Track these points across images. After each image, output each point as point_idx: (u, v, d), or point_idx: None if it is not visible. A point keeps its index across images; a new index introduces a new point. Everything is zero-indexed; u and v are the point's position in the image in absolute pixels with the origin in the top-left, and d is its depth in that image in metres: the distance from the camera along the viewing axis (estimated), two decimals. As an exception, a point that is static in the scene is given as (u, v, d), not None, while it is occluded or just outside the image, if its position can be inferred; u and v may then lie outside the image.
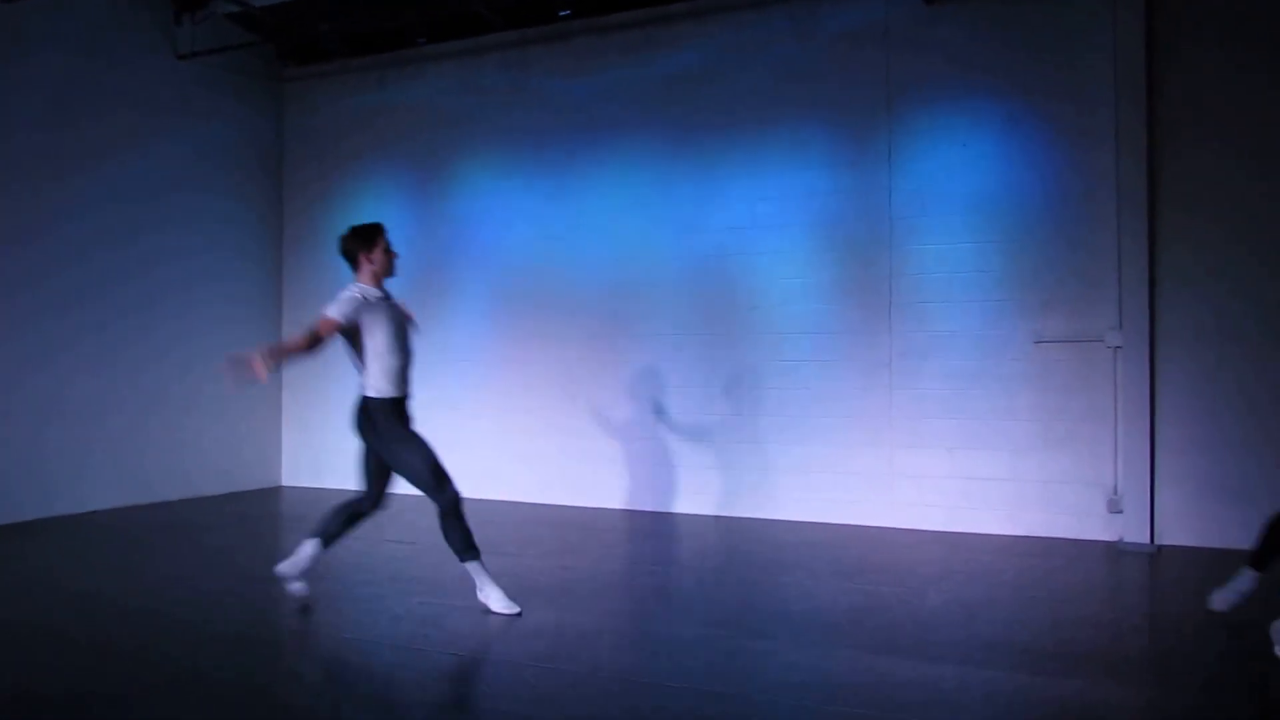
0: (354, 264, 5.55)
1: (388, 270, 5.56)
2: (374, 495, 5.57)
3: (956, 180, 7.77)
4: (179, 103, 9.45)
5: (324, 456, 10.19)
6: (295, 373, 10.42)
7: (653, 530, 7.81)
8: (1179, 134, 7.19)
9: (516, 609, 5.14)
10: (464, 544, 5.22)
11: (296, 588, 5.34)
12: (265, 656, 4.66)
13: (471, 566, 5.25)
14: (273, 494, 9.94)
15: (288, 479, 10.45)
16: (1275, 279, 6.96)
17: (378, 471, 5.53)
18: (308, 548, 5.39)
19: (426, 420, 9.51)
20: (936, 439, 7.78)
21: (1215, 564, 6.62)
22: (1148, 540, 7.08)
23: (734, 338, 8.46)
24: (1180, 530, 7.14)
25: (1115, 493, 7.25)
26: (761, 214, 8.41)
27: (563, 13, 9.11)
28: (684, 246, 8.68)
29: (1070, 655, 4.55)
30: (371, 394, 5.38)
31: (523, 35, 9.33)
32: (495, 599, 5.19)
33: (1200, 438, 7.11)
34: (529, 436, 9.27)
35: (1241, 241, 7.04)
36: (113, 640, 4.83)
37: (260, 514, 8.86)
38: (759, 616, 5.24)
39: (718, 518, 8.32)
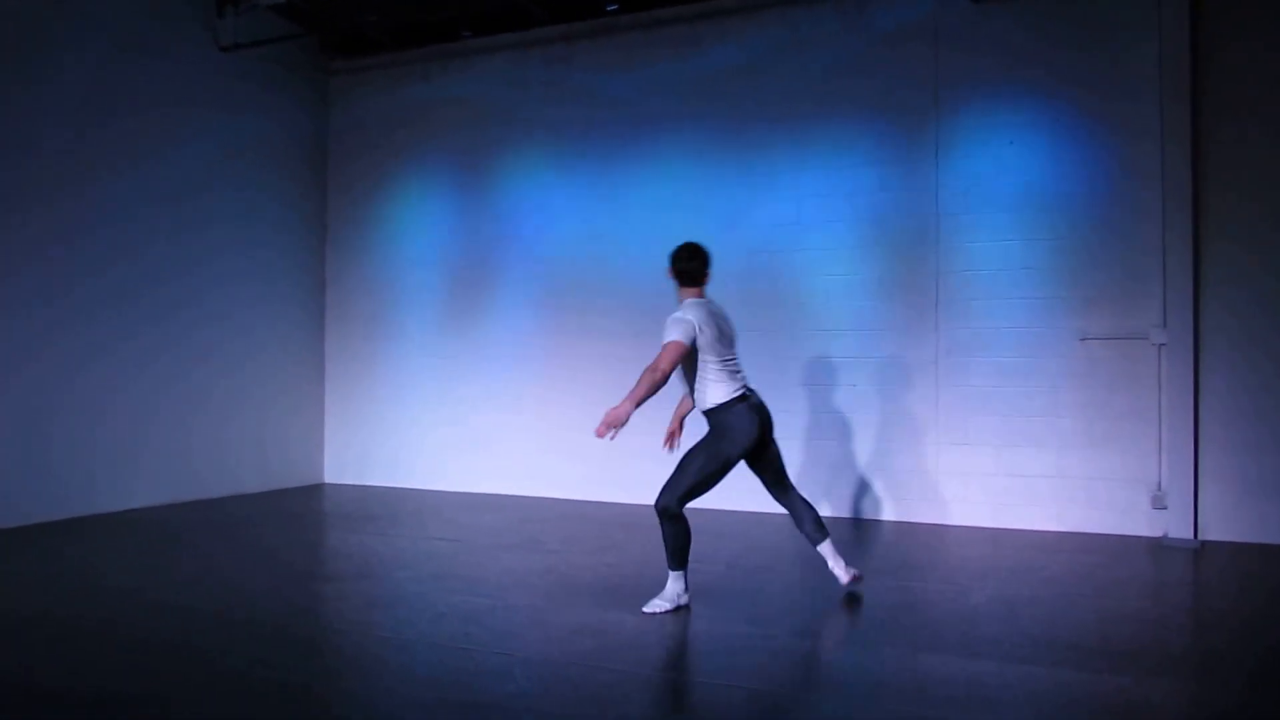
0: (699, 279, 5.79)
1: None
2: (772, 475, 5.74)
3: (1004, 177, 7.75)
4: (221, 97, 9.43)
5: (367, 454, 10.34)
6: (337, 368, 10.58)
7: (698, 527, 7.76)
8: (1224, 128, 7.14)
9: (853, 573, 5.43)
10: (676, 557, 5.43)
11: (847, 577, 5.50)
12: (306, 655, 4.69)
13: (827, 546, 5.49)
14: (316, 491, 10.08)
15: (330, 476, 10.60)
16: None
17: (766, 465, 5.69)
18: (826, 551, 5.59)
19: (471, 416, 9.75)
20: (982, 436, 7.77)
21: (1259, 560, 6.61)
22: (1191, 536, 7.05)
23: (779, 334, 8.48)
24: (1224, 526, 7.11)
25: (1159, 489, 7.23)
26: (807, 210, 8.42)
27: (610, 7, 9.14)
28: (729, 242, 8.65)
29: (1113, 652, 4.56)
30: None
31: (568, 29, 9.38)
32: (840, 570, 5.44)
33: (1244, 434, 7.08)
34: (573, 432, 9.32)
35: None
36: (152, 637, 4.86)
37: (303, 511, 8.98)
38: (803, 615, 5.29)
39: (764, 515, 8.34)
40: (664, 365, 5.30)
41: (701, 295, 5.61)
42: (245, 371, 9.72)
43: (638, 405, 5.26)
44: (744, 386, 5.47)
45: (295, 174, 10.34)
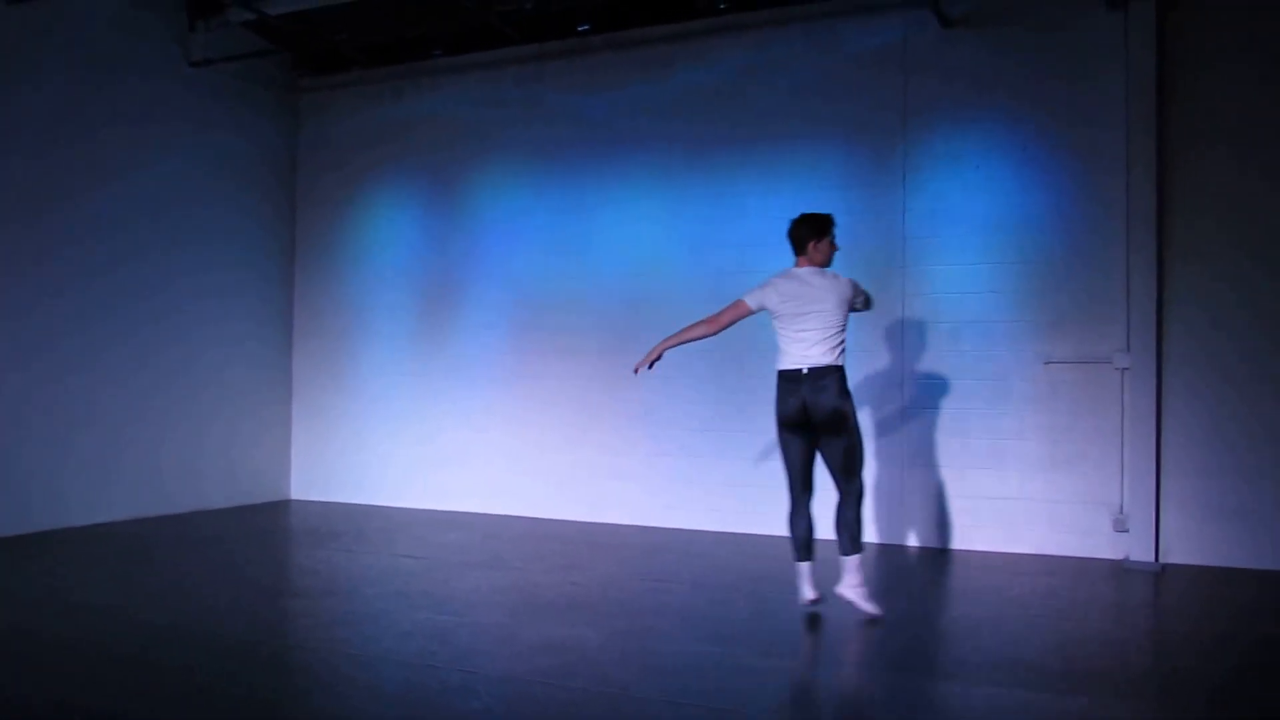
0: (802, 249, 5.67)
1: (826, 261, 5.70)
2: (811, 479, 5.73)
3: (971, 201, 7.83)
4: (192, 113, 9.39)
5: (334, 470, 10.28)
6: (305, 385, 10.52)
7: (665, 546, 7.85)
8: (1188, 155, 7.26)
9: (878, 611, 5.30)
10: (861, 536, 5.38)
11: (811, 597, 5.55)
12: (272, 671, 4.68)
13: (854, 561, 5.38)
14: (282, 507, 10.00)
15: (297, 493, 10.51)
16: (1285, 302, 7.01)
17: (809, 457, 5.62)
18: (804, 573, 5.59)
19: (438, 433, 9.71)
20: (947, 458, 7.82)
21: (1220, 583, 6.68)
22: (1153, 559, 7.12)
23: (748, 353, 8.49)
24: (1185, 549, 7.19)
25: (1121, 512, 7.29)
26: (775, 231, 8.40)
27: (581, 27, 9.19)
28: (699, 262, 8.73)
29: (1074, 673, 4.59)
30: (842, 364, 5.54)
31: (540, 49, 9.41)
32: (869, 604, 5.33)
33: (1206, 459, 7.16)
34: (540, 451, 9.33)
35: (1250, 263, 7.11)
36: (118, 652, 4.84)
37: (271, 527, 8.91)
38: (768, 634, 5.28)
39: (730, 534, 8.36)
40: (720, 318, 5.68)
41: (807, 264, 5.61)
42: (213, 388, 9.67)
43: (674, 345, 5.72)
44: (801, 363, 5.42)
45: (265, 191, 10.27)
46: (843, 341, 5.50)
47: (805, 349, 5.40)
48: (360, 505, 9.95)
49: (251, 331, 10.13)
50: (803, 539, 5.58)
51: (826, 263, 5.64)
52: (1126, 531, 7.24)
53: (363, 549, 7.67)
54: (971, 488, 7.71)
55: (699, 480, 8.63)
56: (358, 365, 10.25)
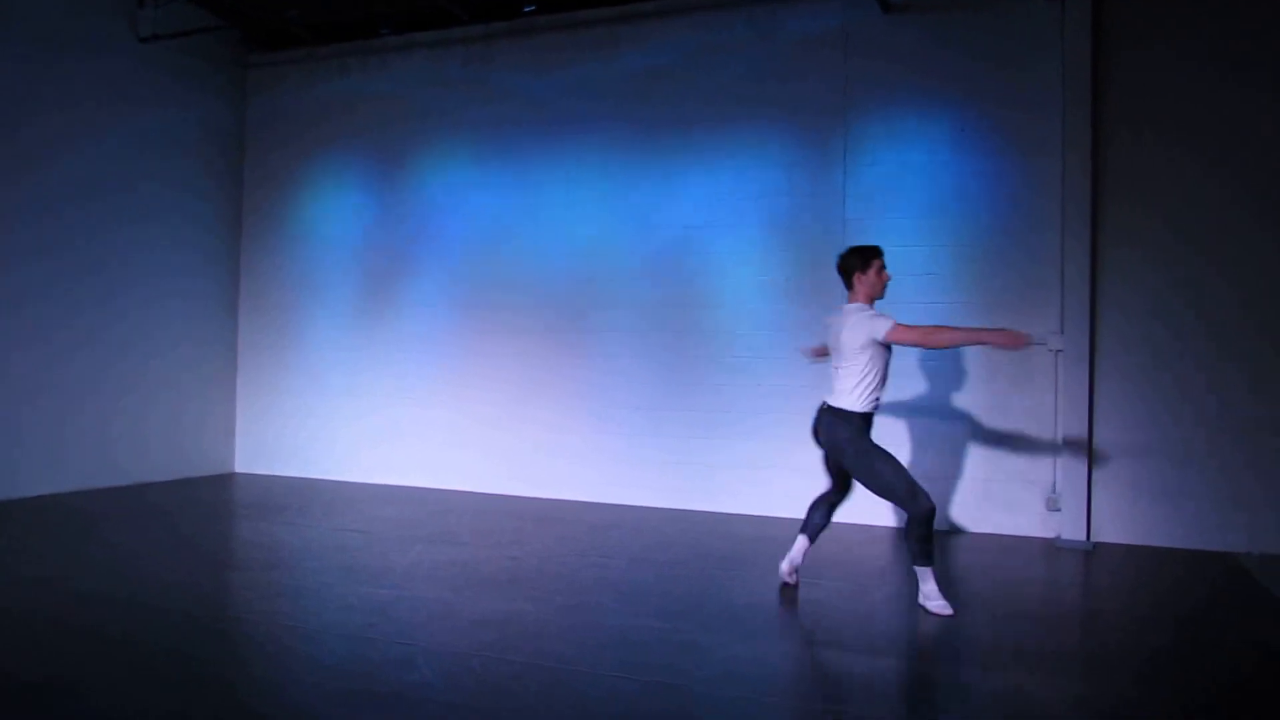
0: (848, 282, 5.50)
1: (879, 291, 5.47)
2: (840, 488, 5.75)
3: (909, 184, 7.92)
4: (139, 88, 9.31)
5: (279, 444, 10.20)
6: (250, 360, 10.41)
7: (606, 522, 7.88)
8: (1122, 140, 7.41)
9: (950, 610, 5.24)
10: (923, 553, 5.22)
11: (790, 579, 5.71)
12: (214, 643, 4.67)
13: (922, 573, 5.28)
14: (227, 480, 9.92)
15: (242, 466, 10.43)
16: (1214, 286, 7.19)
17: (840, 471, 5.62)
18: (799, 543, 5.72)
19: (384, 409, 9.66)
20: (884, 437, 7.89)
21: (1149, 561, 6.85)
22: (1084, 538, 7.28)
23: (689, 334, 8.56)
24: (1116, 529, 7.36)
25: (1054, 491, 7.45)
26: (719, 212, 8.51)
27: (527, 8, 9.14)
28: (643, 242, 8.76)
29: (1006, 649, 4.68)
30: (848, 407, 5.33)
31: (488, 29, 9.36)
32: (934, 603, 5.27)
33: (1136, 439, 7.33)
34: (487, 427, 9.32)
35: (1183, 247, 7.27)
36: (62, 623, 4.83)
37: (215, 500, 8.83)
38: (708, 610, 5.33)
39: (672, 511, 8.42)
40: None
41: (853, 299, 5.49)
42: (160, 364, 9.63)
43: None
44: (827, 396, 5.49)
45: (211, 168, 10.18)
46: (861, 383, 5.30)
47: (831, 383, 5.46)
48: (304, 479, 9.88)
49: (197, 308, 10.04)
50: (806, 517, 5.82)
51: (875, 295, 5.46)
52: (1059, 511, 7.40)
53: (306, 522, 7.61)
54: (909, 466, 7.80)
55: (641, 458, 8.68)
56: (303, 341, 10.16)
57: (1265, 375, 7.09)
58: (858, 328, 5.25)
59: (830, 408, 5.41)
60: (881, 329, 5.17)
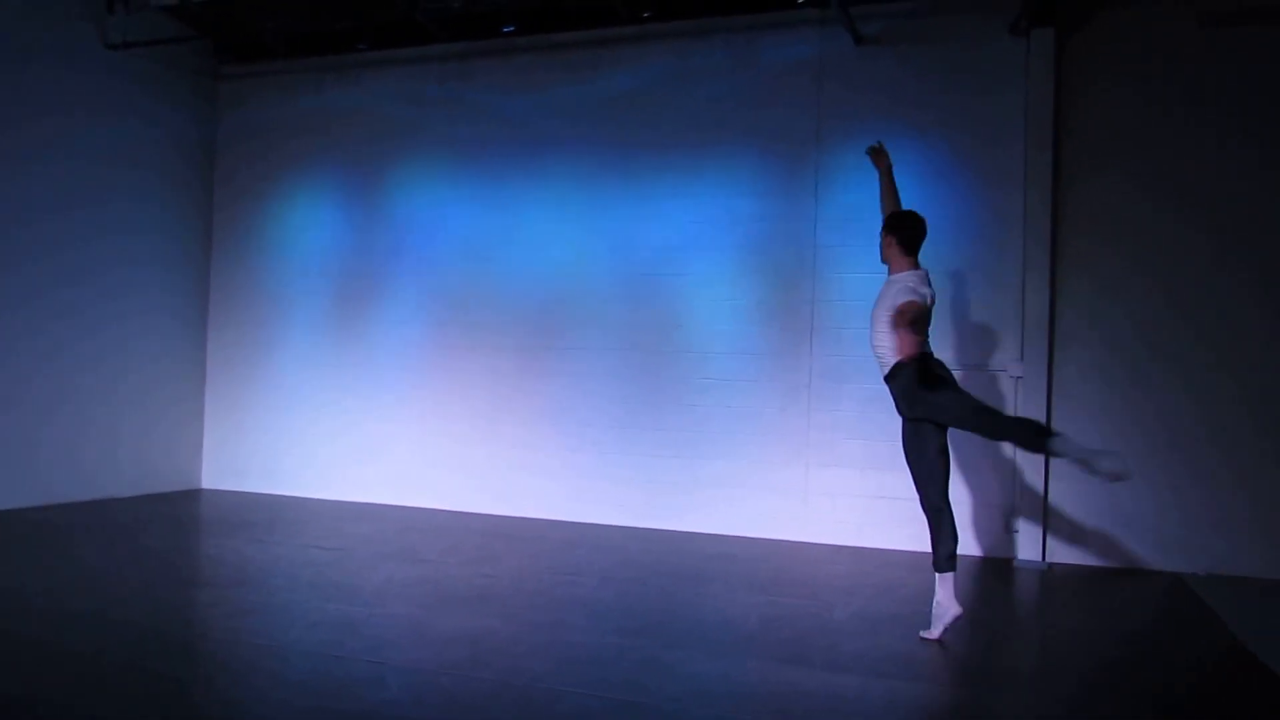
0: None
1: (883, 258, 5.52)
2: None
3: (879, 212, 7.94)
4: (108, 98, 9.08)
5: (247, 460, 10.05)
6: (219, 376, 10.27)
7: (576, 540, 7.84)
8: (1082, 175, 7.52)
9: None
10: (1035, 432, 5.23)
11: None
12: (180, 660, 4.58)
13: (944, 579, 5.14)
14: (194, 496, 9.75)
15: (208, 482, 10.25)
16: (1166, 317, 7.31)
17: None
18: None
19: (354, 425, 9.56)
20: (850, 458, 7.95)
21: (1101, 582, 6.92)
22: (1040, 559, 7.34)
23: (661, 354, 8.56)
24: (1070, 550, 7.44)
25: (1012, 514, 7.50)
26: (692, 235, 8.53)
27: (506, 29, 9.13)
28: (616, 263, 8.75)
29: (964, 666, 4.72)
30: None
31: (466, 48, 9.32)
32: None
33: (1094, 465, 7.39)
34: (458, 444, 9.25)
35: (1139, 279, 7.38)
36: (26, 638, 4.72)
37: (182, 515, 8.68)
38: (675, 627, 5.31)
39: (640, 529, 8.39)
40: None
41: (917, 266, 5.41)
42: (127, 379, 9.42)
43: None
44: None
45: (182, 181, 9.98)
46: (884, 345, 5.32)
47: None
48: (272, 495, 9.75)
49: (164, 324, 9.86)
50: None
51: (884, 260, 5.50)
52: (1017, 532, 7.46)
53: (273, 539, 7.51)
54: (873, 487, 7.84)
55: (612, 476, 8.64)
56: (272, 357, 10.03)
57: (1212, 403, 7.21)
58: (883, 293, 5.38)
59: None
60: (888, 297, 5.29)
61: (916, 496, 7.78)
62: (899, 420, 7.87)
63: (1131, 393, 7.36)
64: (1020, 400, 7.45)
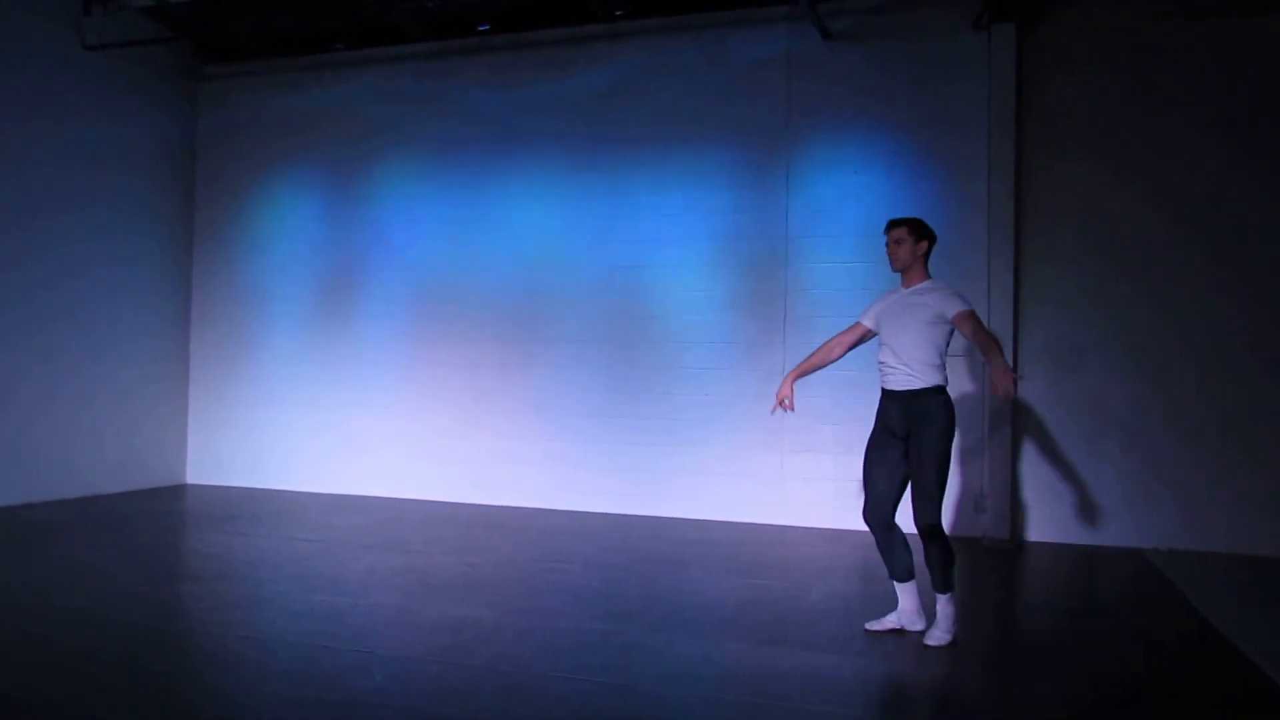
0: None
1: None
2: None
3: (848, 204, 8.00)
4: (86, 99, 8.95)
5: (231, 456, 9.98)
6: (202, 372, 10.18)
7: (558, 528, 7.84)
8: (1044, 164, 7.58)
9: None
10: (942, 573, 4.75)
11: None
12: (167, 653, 4.54)
13: (907, 587, 4.93)
14: (179, 491, 9.67)
15: (193, 477, 10.17)
16: (1126, 302, 7.39)
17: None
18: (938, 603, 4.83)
19: (337, 419, 9.50)
20: (824, 443, 7.99)
21: (1067, 559, 6.99)
22: (1008, 537, 7.41)
23: (639, 344, 8.56)
24: (1037, 528, 7.52)
25: (981, 494, 7.55)
26: (667, 228, 8.52)
27: (482, 27, 9.08)
28: (594, 256, 8.74)
29: (920, 642, 4.74)
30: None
31: (442, 46, 9.27)
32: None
33: (1057, 445, 7.48)
34: (440, 436, 9.22)
35: (1100, 266, 7.45)
36: (13, 634, 4.68)
37: (167, 511, 8.60)
38: (656, 611, 5.31)
39: (621, 516, 8.39)
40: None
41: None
42: (112, 378, 9.33)
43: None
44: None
45: (162, 181, 9.86)
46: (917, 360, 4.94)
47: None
48: (257, 489, 9.68)
49: (148, 322, 9.76)
50: None
51: (899, 266, 5.07)
52: (985, 511, 7.51)
53: (258, 533, 7.46)
54: (846, 471, 7.87)
55: (592, 464, 8.64)
56: (255, 353, 9.96)
57: (1171, 384, 7.30)
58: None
59: None
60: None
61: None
62: (872, 405, 7.85)
63: (1095, 375, 7.44)
64: (988, 383, 7.49)
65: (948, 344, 4.89)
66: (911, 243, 4.98)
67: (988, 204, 7.55)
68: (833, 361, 5.22)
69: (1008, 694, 4.19)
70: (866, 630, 4.94)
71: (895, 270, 5.06)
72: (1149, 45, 7.39)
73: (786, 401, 5.16)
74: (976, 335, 4.73)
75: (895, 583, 4.95)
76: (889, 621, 4.95)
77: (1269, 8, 7.16)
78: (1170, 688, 4.27)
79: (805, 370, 5.28)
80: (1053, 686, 4.23)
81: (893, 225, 5.06)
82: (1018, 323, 7.52)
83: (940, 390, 4.82)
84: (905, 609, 4.93)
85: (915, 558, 4.94)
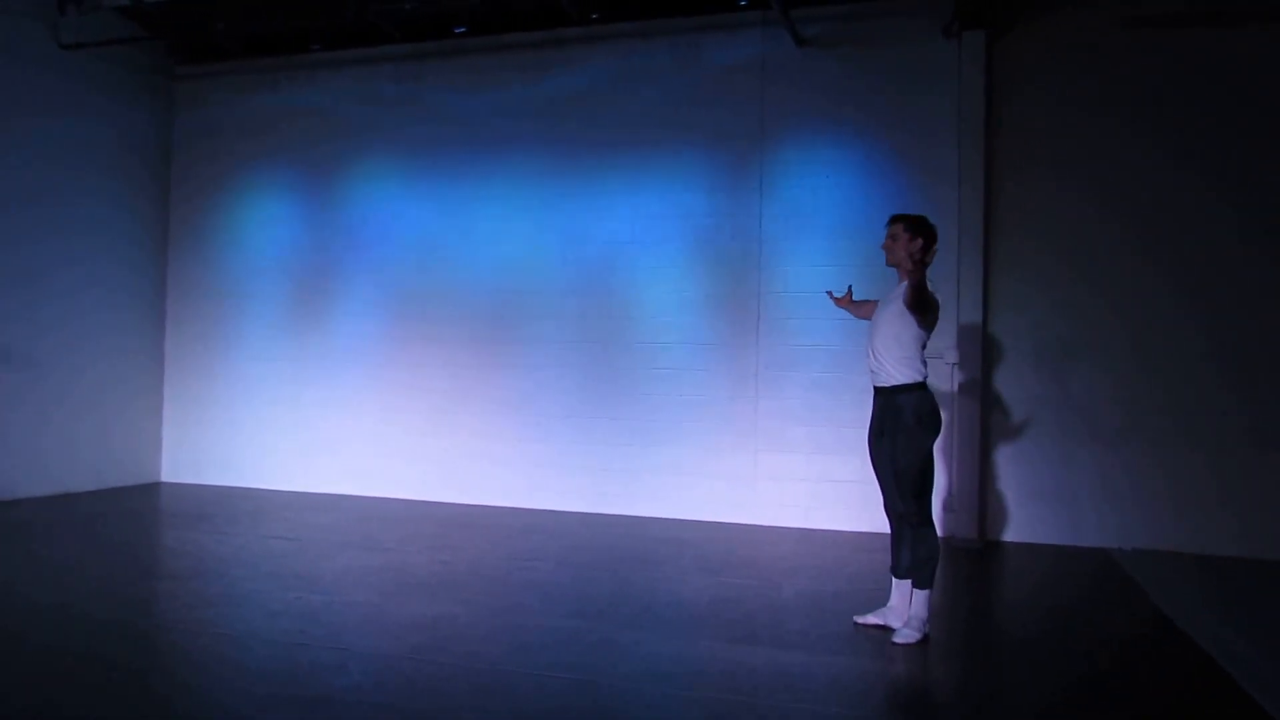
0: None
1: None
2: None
3: (820, 207, 8.05)
4: (61, 98, 8.86)
5: (206, 454, 9.91)
6: (177, 371, 10.11)
7: (532, 527, 7.83)
8: (1013, 173, 7.64)
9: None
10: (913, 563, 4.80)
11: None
12: (141, 650, 4.52)
13: (902, 585, 4.88)
14: (153, 489, 9.59)
15: (167, 475, 10.09)
16: (1090, 307, 7.47)
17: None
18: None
19: (312, 418, 9.46)
20: (796, 443, 8.03)
21: (1035, 558, 7.06)
22: (976, 536, 7.47)
23: (613, 345, 8.57)
24: (1006, 528, 7.57)
25: (950, 494, 7.61)
26: (642, 230, 8.54)
27: (458, 29, 9.06)
28: (569, 258, 8.74)
29: (888, 640, 4.78)
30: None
31: (419, 48, 9.24)
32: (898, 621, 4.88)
33: (1024, 445, 7.56)
34: (415, 435, 9.19)
35: (1066, 272, 7.53)
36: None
37: (141, 509, 8.54)
38: (629, 609, 5.33)
39: (594, 515, 8.40)
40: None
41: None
42: (86, 375, 9.25)
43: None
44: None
45: (137, 180, 9.77)
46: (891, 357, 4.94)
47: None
48: (232, 488, 9.62)
49: (123, 320, 9.68)
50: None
51: (894, 262, 5.02)
52: (954, 511, 7.57)
53: (233, 531, 7.41)
54: (819, 471, 7.93)
55: (566, 464, 8.64)
56: (229, 352, 9.89)
57: (1133, 386, 7.39)
58: None
59: None
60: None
61: (852, 479, 7.84)
62: (843, 406, 7.93)
63: (1060, 378, 7.52)
64: (957, 385, 7.56)
65: (922, 340, 4.89)
66: (906, 239, 4.89)
67: (958, 209, 7.61)
68: (865, 319, 5.29)
69: (975, 691, 4.24)
70: (855, 622, 5.02)
71: (888, 265, 5.06)
72: (1117, 54, 7.47)
73: (837, 294, 5.41)
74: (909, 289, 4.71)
75: (892, 577, 5.00)
76: (874, 617, 5.01)
77: (1236, 20, 7.26)
78: (1131, 683, 4.32)
79: (855, 306, 5.43)
80: (1019, 683, 4.29)
81: (890, 221, 5.05)
82: (986, 323, 7.59)
83: (914, 387, 4.85)
84: (892, 605, 4.99)
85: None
